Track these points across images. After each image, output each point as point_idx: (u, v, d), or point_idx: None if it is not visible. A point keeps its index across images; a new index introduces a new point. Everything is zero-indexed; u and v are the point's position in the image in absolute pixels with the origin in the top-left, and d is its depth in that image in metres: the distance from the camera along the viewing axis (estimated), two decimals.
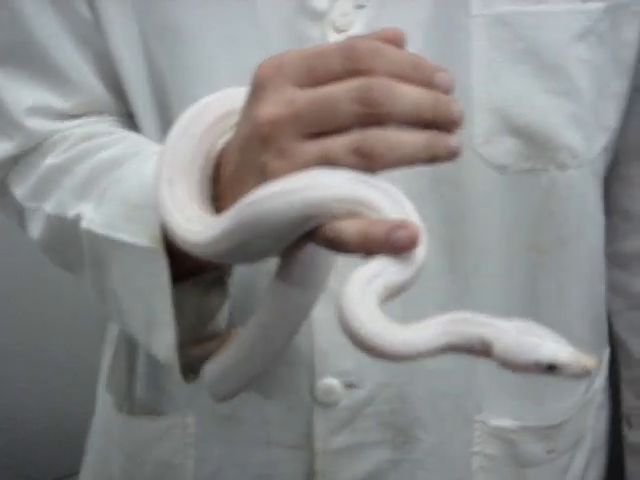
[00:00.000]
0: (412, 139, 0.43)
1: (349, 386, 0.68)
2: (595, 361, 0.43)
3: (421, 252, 0.45)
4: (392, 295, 0.45)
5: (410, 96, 0.44)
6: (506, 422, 0.71)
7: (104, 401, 0.80)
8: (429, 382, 0.69)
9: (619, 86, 0.67)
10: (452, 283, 0.68)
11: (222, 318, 0.60)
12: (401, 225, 0.43)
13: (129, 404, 0.75)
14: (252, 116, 0.46)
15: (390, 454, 0.70)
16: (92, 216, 0.60)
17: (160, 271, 0.55)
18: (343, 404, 0.68)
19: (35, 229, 0.67)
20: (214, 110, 0.50)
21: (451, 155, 0.44)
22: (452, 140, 0.44)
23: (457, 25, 0.62)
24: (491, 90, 0.63)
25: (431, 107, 0.44)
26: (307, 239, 0.46)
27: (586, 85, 0.64)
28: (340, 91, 0.43)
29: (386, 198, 0.44)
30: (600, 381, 0.78)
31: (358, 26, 0.62)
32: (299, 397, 0.68)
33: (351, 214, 0.43)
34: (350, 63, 0.44)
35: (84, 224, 0.61)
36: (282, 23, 0.62)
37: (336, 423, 0.68)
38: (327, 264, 0.53)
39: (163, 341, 0.57)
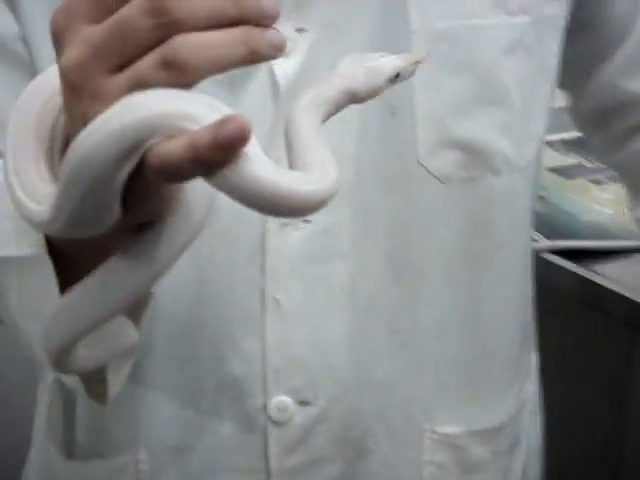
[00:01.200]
0: (223, 37, 0.40)
1: (302, 403, 0.68)
2: (420, 52, 0.50)
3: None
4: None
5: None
6: (453, 428, 0.72)
7: (42, 445, 0.77)
8: (379, 394, 0.70)
9: (545, 94, 0.71)
10: (398, 291, 0.69)
11: None
12: (224, 121, 0.38)
13: (72, 449, 0.74)
14: (59, 69, 0.43)
15: (344, 468, 0.71)
16: None
17: (49, 276, 0.52)
18: (297, 422, 0.68)
19: None
20: (50, 84, 0.47)
21: (274, 49, 0.40)
22: (271, 32, 0.40)
23: (397, 43, 0.64)
24: (432, 102, 0.66)
25: (233, 2, 0.40)
26: (141, 184, 0.42)
27: (516, 95, 0.68)
28: (131, 10, 0.40)
29: (208, 107, 0.40)
30: (530, 386, 0.80)
31: (300, 50, 0.63)
32: (252, 417, 0.68)
33: (175, 131, 0.39)
34: None
35: None
36: None
37: (291, 441, 0.69)
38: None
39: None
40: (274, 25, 0.40)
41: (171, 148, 0.38)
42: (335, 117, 0.64)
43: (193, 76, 0.39)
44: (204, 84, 0.59)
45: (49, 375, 0.76)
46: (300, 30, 0.63)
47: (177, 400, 0.69)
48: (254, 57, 0.40)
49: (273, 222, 0.65)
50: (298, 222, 0.66)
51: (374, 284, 0.69)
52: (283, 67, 0.63)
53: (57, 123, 0.47)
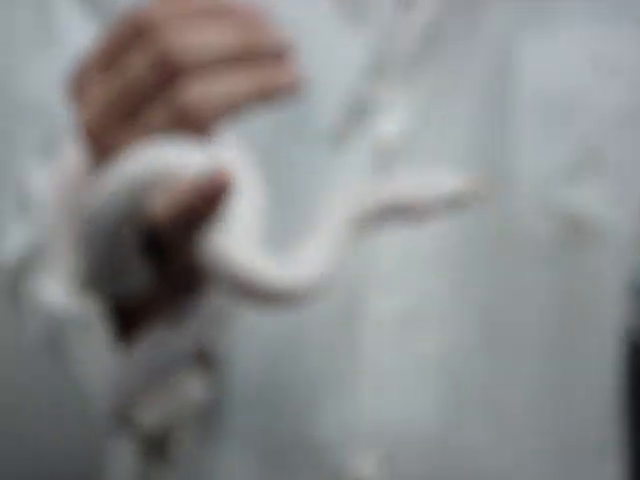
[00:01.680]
0: (236, 82, 0.39)
1: (389, 469, 0.66)
2: (489, 179, 0.44)
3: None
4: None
5: (207, 35, 0.40)
6: None
7: None
8: (465, 463, 0.69)
9: None
10: (490, 361, 0.68)
11: None
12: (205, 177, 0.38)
13: None
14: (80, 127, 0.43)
15: None
16: (57, 291, 0.57)
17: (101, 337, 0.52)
18: None
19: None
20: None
21: (291, 85, 0.40)
22: (286, 68, 0.39)
23: (504, 107, 0.63)
24: (535, 169, 0.65)
25: (241, 38, 0.40)
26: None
27: (620, 165, 0.66)
28: (136, 66, 0.40)
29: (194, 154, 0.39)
30: (617, 468, 0.78)
31: (407, 110, 0.63)
32: None
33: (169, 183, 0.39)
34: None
35: (44, 298, 0.58)
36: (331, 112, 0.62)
37: None
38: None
39: None
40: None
41: (156, 211, 0.39)
42: None
43: (203, 123, 0.39)
44: (305, 142, 0.59)
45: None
46: (407, 91, 0.62)
47: (258, 464, 0.68)
48: (269, 97, 0.40)
49: (368, 285, 0.64)
50: (393, 286, 0.65)
51: (467, 353, 0.67)
52: (389, 127, 0.62)
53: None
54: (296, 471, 0.68)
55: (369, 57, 0.61)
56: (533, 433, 0.70)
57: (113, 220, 0.40)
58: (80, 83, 0.43)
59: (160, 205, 0.39)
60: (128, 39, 0.41)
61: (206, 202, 0.38)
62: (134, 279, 0.43)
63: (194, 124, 0.39)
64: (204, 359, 0.56)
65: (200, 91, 0.39)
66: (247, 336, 0.66)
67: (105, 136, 0.41)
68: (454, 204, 0.43)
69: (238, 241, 0.38)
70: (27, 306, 0.63)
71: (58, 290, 0.56)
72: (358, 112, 0.62)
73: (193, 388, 0.52)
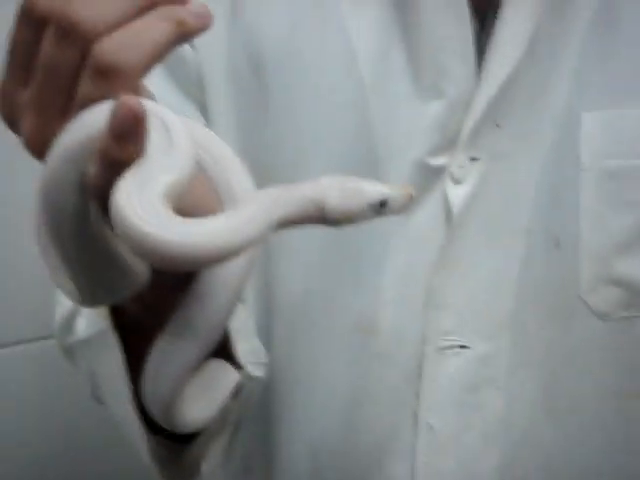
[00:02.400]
0: (143, 24, 0.38)
1: None
2: (413, 187, 0.44)
3: (182, 141, 0.38)
4: (171, 196, 0.37)
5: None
6: None
7: None
8: None
9: None
10: (551, 425, 0.67)
11: None
12: (114, 110, 0.36)
13: None
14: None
15: None
16: (83, 326, 0.59)
17: (113, 351, 0.52)
18: None
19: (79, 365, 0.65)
20: None
21: (198, 17, 0.39)
22: (189, 4, 0.39)
23: (568, 176, 0.64)
24: (597, 239, 0.65)
25: None
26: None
27: None
28: (45, 46, 0.39)
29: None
30: None
31: (473, 177, 0.63)
32: None
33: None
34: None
35: (76, 338, 0.60)
36: (400, 177, 0.63)
37: None
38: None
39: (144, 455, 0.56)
40: None
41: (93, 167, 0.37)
42: (501, 243, 0.64)
43: (130, 74, 0.38)
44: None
45: None
46: (473, 159, 0.63)
47: None
48: (184, 31, 0.39)
49: (431, 346, 0.65)
50: (456, 347, 0.65)
51: (528, 416, 0.67)
52: (456, 193, 0.63)
53: None
54: None
55: (440, 125, 0.63)
56: None
57: (62, 193, 0.39)
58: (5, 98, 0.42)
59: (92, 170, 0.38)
60: (29, 35, 0.40)
61: (119, 140, 0.36)
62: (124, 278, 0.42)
63: (121, 81, 0.38)
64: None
65: (114, 45, 0.38)
66: (314, 398, 0.65)
67: (46, 126, 0.40)
68: (379, 212, 0.43)
69: (142, 193, 0.35)
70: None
71: (85, 323, 0.56)
72: (427, 179, 0.63)
73: (228, 369, 0.50)
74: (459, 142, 0.63)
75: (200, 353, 0.43)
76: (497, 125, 0.63)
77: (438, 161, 0.63)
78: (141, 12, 0.39)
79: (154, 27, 0.38)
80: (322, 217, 0.42)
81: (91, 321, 0.57)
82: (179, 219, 0.35)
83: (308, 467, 0.67)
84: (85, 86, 0.38)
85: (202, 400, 0.47)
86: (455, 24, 0.62)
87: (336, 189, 0.42)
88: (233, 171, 0.41)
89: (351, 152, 0.63)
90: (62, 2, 0.38)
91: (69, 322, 0.63)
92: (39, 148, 0.40)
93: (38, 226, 0.42)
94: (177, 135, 0.38)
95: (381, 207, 0.43)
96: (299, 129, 0.64)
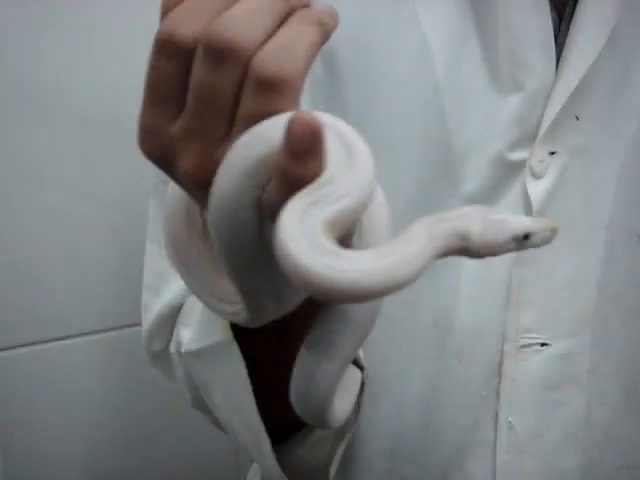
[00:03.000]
0: (290, 31, 0.38)
1: None
2: (556, 219, 0.42)
3: (364, 159, 0.37)
4: (342, 223, 0.36)
5: (245, 11, 0.38)
6: None
7: None
8: None
9: None
10: (633, 424, 0.67)
11: None
12: (290, 126, 0.35)
13: None
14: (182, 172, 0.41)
15: None
16: (190, 337, 0.59)
17: (236, 364, 0.52)
18: None
19: (176, 375, 0.65)
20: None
21: (332, 16, 0.38)
22: (318, 5, 0.38)
23: None
24: None
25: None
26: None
27: None
28: (200, 74, 0.38)
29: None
30: None
31: (552, 171, 0.62)
32: None
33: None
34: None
35: (183, 349, 0.59)
36: (477, 173, 0.62)
37: None
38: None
39: (267, 458, 0.56)
40: None
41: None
42: (581, 239, 0.63)
43: (292, 83, 0.37)
44: (452, 205, 0.58)
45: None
46: (553, 153, 0.62)
47: None
48: (326, 30, 0.38)
49: (511, 344, 0.64)
50: (537, 345, 0.64)
51: (609, 415, 0.66)
52: (536, 188, 0.62)
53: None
54: None
55: (518, 121, 0.62)
56: None
57: (237, 210, 0.38)
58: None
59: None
60: (173, 65, 0.39)
61: (297, 158, 0.35)
62: (268, 270, 0.41)
63: (285, 92, 0.37)
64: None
65: (272, 57, 0.37)
66: (394, 396, 0.65)
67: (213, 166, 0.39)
68: (521, 245, 0.42)
69: (306, 220, 0.34)
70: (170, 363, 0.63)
71: (193, 331, 0.56)
72: (506, 175, 0.62)
73: (352, 368, 0.51)
74: (538, 136, 0.62)
75: (346, 365, 0.44)
76: (577, 118, 0.62)
77: (517, 156, 0.62)
78: (283, 19, 0.38)
79: (303, 32, 0.38)
80: (465, 248, 0.41)
81: (201, 333, 0.57)
82: (338, 252, 0.34)
83: (386, 466, 0.67)
84: (249, 104, 0.37)
85: (343, 398, 0.48)
86: (534, 15, 0.60)
87: (480, 221, 0.41)
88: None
89: (426, 148, 0.62)
90: (207, 25, 0.38)
91: (159, 329, 0.64)
92: (205, 178, 0.39)
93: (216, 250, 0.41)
94: (358, 152, 0.37)
95: (524, 239, 0.42)
96: (372, 125, 0.62)
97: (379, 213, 0.41)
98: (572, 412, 0.65)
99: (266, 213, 0.38)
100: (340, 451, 0.61)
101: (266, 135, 0.37)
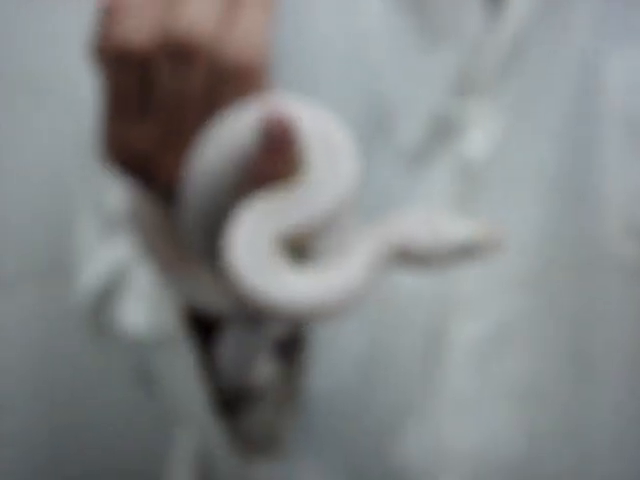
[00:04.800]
0: (246, 16, 0.37)
1: None
2: (502, 227, 0.42)
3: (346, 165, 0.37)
4: (299, 233, 0.37)
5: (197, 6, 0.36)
6: None
7: None
8: None
9: None
10: (575, 389, 0.66)
11: None
12: (266, 116, 0.35)
13: None
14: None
15: None
16: (136, 321, 0.58)
17: (188, 357, 0.52)
18: None
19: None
20: None
21: None
22: None
23: (592, 125, 0.62)
24: (626, 191, 0.62)
25: None
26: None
27: None
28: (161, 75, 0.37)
29: None
30: None
31: (492, 127, 0.61)
32: None
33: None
34: None
35: (129, 331, 0.59)
36: (413, 129, 0.61)
37: None
38: None
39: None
40: None
41: None
42: (523, 197, 0.62)
43: (261, 67, 0.37)
44: (386, 161, 0.58)
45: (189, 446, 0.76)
46: (492, 108, 0.61)
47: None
48: (270, 6, 0.37)
49: (452, 309, 0.63)
50: (478, 307, 0.63)
51: (551, 380, 0.65)
52: (475, 144, 0.61)
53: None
54: None
55: (453, 74, 0.60)
56: (617, 459, 0.68)
57: (215, 190, 0.38)
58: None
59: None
60: (131, 76, 0.38)
61: (268, 154, 0.35)
62: None
63: (251, 76, 0.36)
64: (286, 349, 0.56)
65: (236, 46, 0.36)
66: (330, 354, 0.65)
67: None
68: (467, 253, 0.41)
69: (257, 235, 0.35)
70: (111, 334, 0.62)
71: (141, 313, 0.56)
72: (442, 130, 0.61)
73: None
74: (476, 91, 0.60)
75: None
76: (516, 71, 0.61)
77: (454, 112, 0.61)
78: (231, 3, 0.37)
79: (254, 15, 0.36)
80: (409, 260, 0.40)
81: (151, 320, 0.56)
82: (280, 270, 0.35)
83: (323, 426, 0.66)
84: (220, 96, 0.37)
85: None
86: None
87: (425, 230, 0.40)
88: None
89: (359, 106, 0.61)
90: (163, 27, 0.36)
91: (103, 301, 0.63)
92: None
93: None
94: (339, 154, 0.37)
95: (470, 249, 0.41)
96: (301, 82, 0.60)
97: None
98: (514, 374, 0.64)
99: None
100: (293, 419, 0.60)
101: (236, 131, 0.36)
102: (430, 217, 0.41)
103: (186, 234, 0.40)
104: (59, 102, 0.88)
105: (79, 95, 0.65)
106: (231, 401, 0.56)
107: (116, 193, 0.63)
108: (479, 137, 0.61)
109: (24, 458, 1.01)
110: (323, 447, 0.66)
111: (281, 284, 0.35)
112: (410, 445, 0.65)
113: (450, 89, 0.60)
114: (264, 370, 0.50)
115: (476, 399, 0.64)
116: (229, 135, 0.36)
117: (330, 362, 0.65)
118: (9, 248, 0.96)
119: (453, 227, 0.40)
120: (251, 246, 0.35)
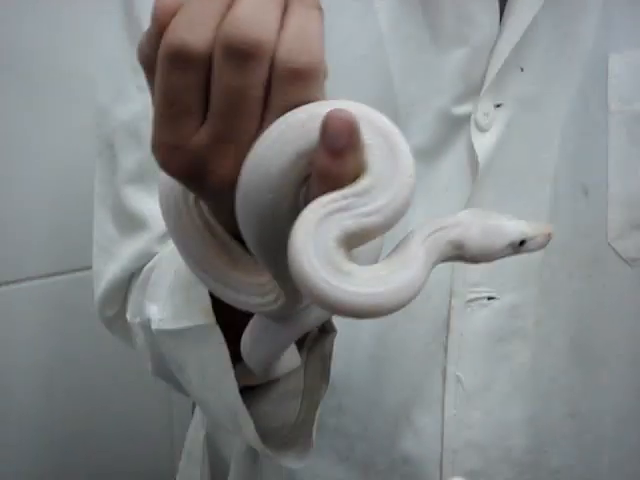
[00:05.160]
0: (302, 18, 0.37)
1: None
2: (551, 226, 0.43)
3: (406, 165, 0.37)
4: (363, 238, 0.37)
5: (253, 6, 0.36)
6: None
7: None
8: (553, 478, 0.68)
9: None
10: (579, 375, 0.67)
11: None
12: (326, 125, 0.35)
13: None
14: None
15: None
16: (162, 315, 0.58)
17: (217, 348, 0.52)
18: None
19: (137, 343, 0.64)
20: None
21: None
22: None
23: (595, 121, 0.63)
24: (626, 184, 0.64)
25: None
26: None
27: None
28: (221, 75, 0.36)
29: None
30: None
31: (498, 124, 0.62)
32: None
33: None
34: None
35: (153, 326, 0.58)
36: (423, 127, 0.62)
37: None
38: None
39: (249, 434, 0.55)
40: None
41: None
42: (528, 192, 0.63)
43: (320, 69, 0.36)
44: None
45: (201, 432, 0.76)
46: (498, 106, 0.62)
47: (347, 476, 0.67)
48: (321, 9, 0.37)
49: (458, 298, 0.64)
50: (483, 299, 0.64)
51: (556, 366, 0.67)
52: (481, 141, 0.62)
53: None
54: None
55: (464, 74, 0.61)
56: (622, 450, 0.69)
57: (274, 199, 0.37)
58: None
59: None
60: (189, 77, 0.37)
61: (333, 155, 0.35)
62: None
63: (313, 78, 0.36)
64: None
65: (295, 47, 0.36)
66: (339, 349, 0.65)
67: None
68: (516, 250, 0.42)
69: (320, 234, 0.35)
70: (135, 326, 0.63)
71: (169, 304, 0.56)
72: (452, 130, 0.62)
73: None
74: (483, 89, 0.61)
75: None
76: (521, 70, 0.61)
77: (462, 110, 0.62)
78: (284, 5, 0.37)
79: (310, 17, 0.36)
80: (461, 256, 0.41)
81: (177, 313, 0.55)
82: (347, 270, 0.35)
83: (334, 422, 0.67)
84: (280, 97, 0.36)
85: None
86: None
87: (477, 228, 0.41)
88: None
89: (371, 103, 0.61)
90: (219, 28, 0.36)
91: (113, 296, 0.64)
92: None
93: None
94: (400, 155, 0.37)
95: (520, 245, 0.42)
96: None
97: None
98: (518, 364, 0.65)
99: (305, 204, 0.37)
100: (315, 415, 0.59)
101: (304, 128, 0.36)
102: (480, 216, 0.42)
103: (243, 234, 0.40)
104: (85, 103, 0.89)
105: None
106: (256, 391, 0.56)
107: (135, 191, 0.64)
108: (485, 134, 0.62)
109: (34, 461, 1.02)
110: (334, 438, 0.67)
111: (349, 283, 0.35)
112: (418, 436, 0.66)
113: (459, 90, 0.61)
114: (291, 361, 0.50)
115: (484, 387, 0.65)
116: (289, 137, 0.36)
117: (342, 360, 0.65)
118: (24, 247, 0.97)
119: (503, 225, 0.42)
120: (318, 246, 0.35)
